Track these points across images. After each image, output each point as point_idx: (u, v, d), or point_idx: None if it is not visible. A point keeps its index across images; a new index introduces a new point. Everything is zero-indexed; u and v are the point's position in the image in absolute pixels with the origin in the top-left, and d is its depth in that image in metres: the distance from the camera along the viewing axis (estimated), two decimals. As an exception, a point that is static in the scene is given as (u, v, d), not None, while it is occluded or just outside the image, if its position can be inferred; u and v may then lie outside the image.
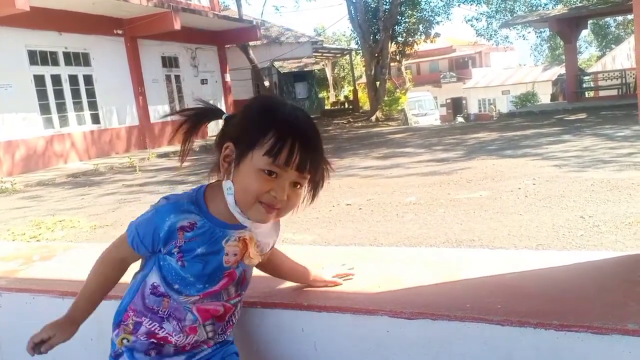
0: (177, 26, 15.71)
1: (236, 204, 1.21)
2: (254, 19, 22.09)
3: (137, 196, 8.12)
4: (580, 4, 23.54)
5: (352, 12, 23.03)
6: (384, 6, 23.59)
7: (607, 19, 37.87)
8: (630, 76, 19.15)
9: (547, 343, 1.27)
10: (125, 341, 1.31)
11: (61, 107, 14.50)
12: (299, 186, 1.21)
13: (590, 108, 16.80)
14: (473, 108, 40.93)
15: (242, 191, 1.19)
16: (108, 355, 1.36)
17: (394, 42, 26.09)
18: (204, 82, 19.98)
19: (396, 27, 25.57)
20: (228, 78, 20.77)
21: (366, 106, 25.79)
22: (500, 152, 9.22)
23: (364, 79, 25.19)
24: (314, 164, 1.19)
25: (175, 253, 1.23)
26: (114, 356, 1.34)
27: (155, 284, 1.27)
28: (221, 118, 1.31)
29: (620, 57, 30.29)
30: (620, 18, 36.74)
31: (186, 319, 1.29)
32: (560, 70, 32.30)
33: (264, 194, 1.17)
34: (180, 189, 8.33)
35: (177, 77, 18.79)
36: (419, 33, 27.50)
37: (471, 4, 28.54)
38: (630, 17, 26.58)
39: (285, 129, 1.15)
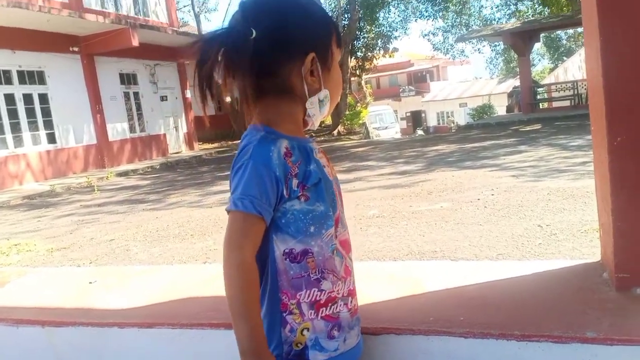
0: (135, 43, 15.54)
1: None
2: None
3: (96, 217, 7.92)
4: (533, 18, 24.34)
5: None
6: (343, 22, 23.89)
7: (559, 32, 39.25)
8: (582, 87, 19.84)
9: (509, 354, 1.28)
10: (306, 331, 1.12)
11: (15, 127, 14.09)
12: None
13: (544, 119, 17.32)
14: (432, 121, 41.63)
15: (335, 93, 1.17)
16: None
17: (353, 57, 26.39)
18: (163, 98, 19.75)
19: (355, 42, 25.88)
20: (189, 94, 20.56)
21: (328, 120, 25.93)
22: (459, 163, 9.38)
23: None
24: None
25: (297, 188, 1.08)
26: (293, 357, 1.13)
27: (287, 250, 1.10)
28: (251, 35, 1.04)
29: (572, 69, 31.38)
30: (570, 31, 38.08)
31: (335, 263, 1.14)
32: (515, 82, 33.21)
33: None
34: (140, 208, 8.25)
35: (136, 94, 18.52)
36: (377, 48, 27.91)
37: (427, 19, 29.21)
38: (580, 29, 27.63)
39: (330, 15, 1.15)
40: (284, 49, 1.09)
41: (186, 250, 5.14)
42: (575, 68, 30.73)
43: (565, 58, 40.51)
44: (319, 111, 1.15)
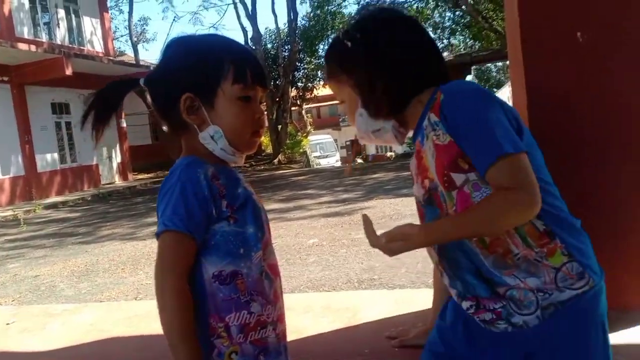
0: (69, 72, 15.05)
1: (230, 145, 1.16)
2: (151, 65, 21.71)
3: (21, 252, 7.50)
4: (464, 52, 25.41)
5: (252, 58, 23.32)
6: (284, 53, 24.19)
7: (489, 64, 41.13)
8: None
9: (443, 384, 1.26)
10: (234, 355, 1.11)
11: None
12: (261, 103, 1.24)
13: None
14: (371, 149, 42.42)
15: (234, 129, 1.15)
16: None
17: (294, 87, 26.70)
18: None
19: (296, 73, 26.23)
20: (124, 124, 20.03)
21: (269, 149, 25.98)
22: (397, 191, 9.53)
23: (265, 123, 25.49)
24: (266, 75, 1.24)
25: (226, 210, 1.10)
26: None
27: (216, 273, 1.10)
28: (139, 85, 1.19)
29: (502, 99, 32.88)
30: (500, 64, 40.01)
31: (265, 286, 1.15)
32: (450, 112, 34.33)
33: (253, 122, 1.17)
34: (69, 241, 7.88)
35: (68, 124, 17.86)
36: (318, 78, 28.34)
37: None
38: (508, 62, 29.01)
39: (236, 52, 1.17)
40: (164, 89, 1.17)
41: (116, 286, 4.92)
42: (505, 99, 32.08)
43: (495, 89, 42.42)
44: (217, 146, 1.16)
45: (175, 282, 1.05)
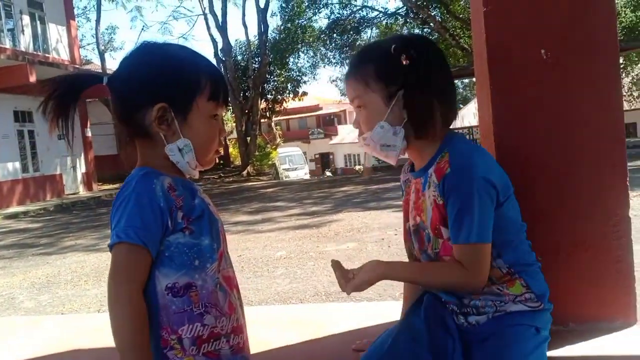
0: (33, 79, 14.71)
1: (195, 159, 1.17)
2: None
3: (-21, 263, 7.25)
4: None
5: (222, 69, 23.29)
6: (254, 65, 24.20)
7: (456, 81, 41.88)
8: (477, 132, 21.18)
9: (409, 395, 1.27)
10: None
11: None
12: None
13: (444, 162, 18.18)
14: (340, 163, 42.62)
15: (202, 144, 1.16)
16: None
17: (263, 100, 26.70)
18: (61, 137, 18.67)
19: (266, 85, 26.25)
20: (89, 133, 19.68)
21: (237, 161, 25.84)
22: (365, 204, 9.59)
23: (234, 135, 25.42)
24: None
25: (183, 221, 1.10)
26: None
27: (169, 285, 1.09)
28: (100, 81, 1.18)
29: (468, 116, 33.47)
30: (466, 80, 40.79)
31: (219, 297, 1.14)
32: (418, 127, 34.72)
33: (218, 140, 1.20)
34: (30, 252, 7.67)
35: (31, 132, 17.45)
36: (287, 91, 28.44)
37: (335, 66, 30.17)
38: (475, 79, 29.55)
39: (212, 71, 1.18)
40: (134, 94, 1.14)
41: (79, 298, 4.80)
42: (471, 115, 32.80)
43: (461, 105, 43.15)
44: (182, 159, 1.15)
45: (130, 295, 1.04)
